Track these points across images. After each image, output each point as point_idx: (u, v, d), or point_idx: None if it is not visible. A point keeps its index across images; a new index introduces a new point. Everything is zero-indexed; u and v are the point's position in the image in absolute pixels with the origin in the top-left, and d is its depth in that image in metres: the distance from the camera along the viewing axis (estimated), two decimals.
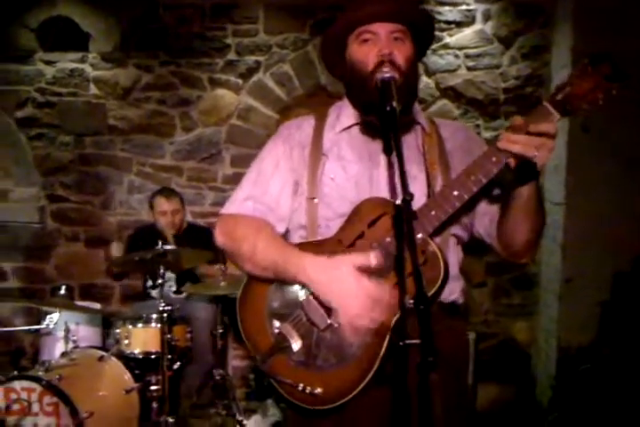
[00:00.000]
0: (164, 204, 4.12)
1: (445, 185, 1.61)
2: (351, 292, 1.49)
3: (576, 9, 4.19)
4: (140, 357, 3.37)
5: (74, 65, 4.90)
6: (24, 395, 2.88)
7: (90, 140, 4.93)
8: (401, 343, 1.29)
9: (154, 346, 3.33)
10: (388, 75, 1.54)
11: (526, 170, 1.50)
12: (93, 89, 4.92)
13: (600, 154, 4.05)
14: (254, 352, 1.67)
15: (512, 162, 1.48)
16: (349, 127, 1.75)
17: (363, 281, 1.50)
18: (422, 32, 1.70)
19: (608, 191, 4.08)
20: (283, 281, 1.63)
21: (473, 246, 1.82)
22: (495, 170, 1.50)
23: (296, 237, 1.74)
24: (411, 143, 1.72)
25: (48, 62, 4.90)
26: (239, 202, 1.77)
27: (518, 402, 4.41)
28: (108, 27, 4.86)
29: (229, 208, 1.79)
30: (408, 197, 1.29)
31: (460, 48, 4.77)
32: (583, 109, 1.45)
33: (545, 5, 4.62)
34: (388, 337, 1.47)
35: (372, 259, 1.51)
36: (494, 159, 1.49)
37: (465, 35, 4.76)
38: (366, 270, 1.50)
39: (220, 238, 1.78)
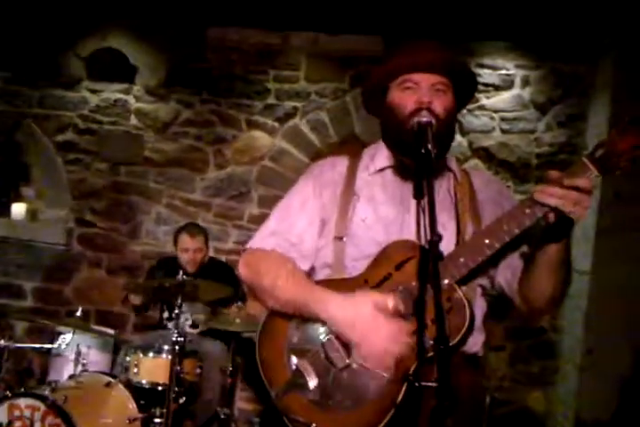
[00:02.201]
0: (187, 241, 4.13)
1: (476, 233, 1.60)
2: (372, 328, 1.48)
3: (615, 79, 4.24)
4: (147, 387, 3.32)
5: (118, 95, 5.05)
6: (27, 413, 2.87)
7: (124, 169, 5.04)
8: (417, 384, 1.28)
9: (162, 377, 3.28)
10: (425, 118, 1.56)
11: (559, 226, 1.49)
12: (134, 120, 5.05)
13: (631, 223, 4.02)
14: (270, 387, 1.64)
15: (548, 217, 1.47)
16: (383, 169, 1.75)
17: (380, 319, 1.49)
18: (463, 86, 1.72)
19: (636, 261, 4.02)
20: (303, 317, 1.62)
21: (493, 309, 1.79)
22: (528, 222, 1.49)
23: (321, 276, 1.73)
24: (443, 191, 1.72)
25: (93, 91, 5.07)
26: (264, 236, 1.78)
27: None
28: (156, 62, 5.04)
29: (254, 242, 1.79)
30: (435, 238, 1.28)
31: (497, 111, 4.83)
32: (621, 168, 1.45)
33: (584, 75, 4.68)
34: (406, 384, 1.43)
35: (390, 301, 1.49)
36: (528, 211, 1.49)
37: (502, 98, 4.84)
38: (385, 311, 1.49)
39: (242, 271, 1.78)
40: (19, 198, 5.15)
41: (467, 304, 1.47)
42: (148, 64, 5.04)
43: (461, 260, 1.53)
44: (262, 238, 1.78)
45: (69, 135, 5.06)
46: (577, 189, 1.42)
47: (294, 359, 1.61)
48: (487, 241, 1.52)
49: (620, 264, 4.07)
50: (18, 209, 5.07)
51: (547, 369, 4.69)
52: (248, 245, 1.81)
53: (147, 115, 5.04)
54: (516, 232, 1.50)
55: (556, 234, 1.52)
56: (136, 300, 4.13)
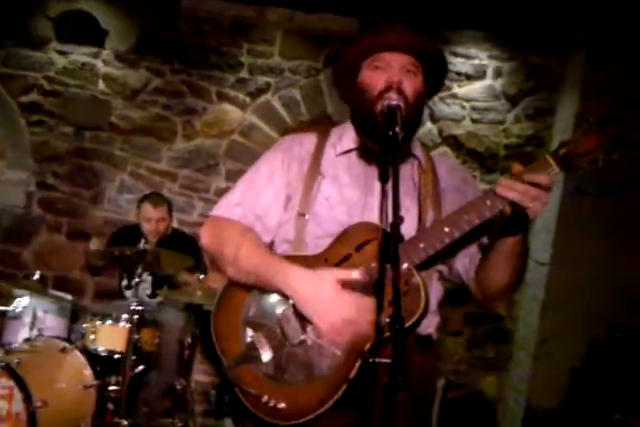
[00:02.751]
0: (150, 211, 4.09)
1: (437, 221, 1.63)
2: (333, 305, 1.50)
3: (585, 75, 4.30)
4: (104, 354, 3.29)
5: (86, 59, 4.93)
6: None
7: (89, 135, 4.93)
8: (371, 360, 1.30)
9: (119, 345, 3.26)
10: (394, 102, 1.57)
11: (518, 219, 1.53)
12: (102, 85, 4.94)
13: (591, 219, 4.09)
14: (223, 357, 1.65)
15: (507, 210, 1.51)
16: (349, 151, 1.76)
17: (344, 295, 1.50)
18: (435, 70, 1.73)
19: (594, 256, 4.10)
20: (263, 289, 1.63)
21: (453, 295, 1.84)
22: (489, 214, 1.53)
23: (279, 251, 1.74)
24: (406, 176, 1.73)
25: (61, 53, 4.93)
26: (229, 206, 1.77)
27: None
28: (127, 27, 4.92)
29: (218, 211, 1.79)
30: (398, 220, 1.29)
31: (468, 100, 4.87)
32: (583, 167, 1.48)
33: (555, 69, 4.75)
34: (360, 360, 1.46)
35: (355, 274, 1.52)
36: (489, 203, 1.52)
37: (474, 88, 4.87)
38: (348, 287, 1.51)
39: (204, 239, 1.78)
40: None
41: (423, 289, 1.50)
42: (118, 29, 4.91)
43: (421, 245, 1.56)
44: (227, 208, 1.77)
45: (34, 96, 4.92)
46: (537, 185, 1.46)
47: (249, 332, 1.62)
48: (447, 229, 1.55)
49: (579, 257, 4.15)
50: None
51: (502, 355, 4.81)
52: (212, 213, 1.80)
53: (115, 80, 4.93)
54: (476, 223, 1.54)
55: (514, 227, 1.56)
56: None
